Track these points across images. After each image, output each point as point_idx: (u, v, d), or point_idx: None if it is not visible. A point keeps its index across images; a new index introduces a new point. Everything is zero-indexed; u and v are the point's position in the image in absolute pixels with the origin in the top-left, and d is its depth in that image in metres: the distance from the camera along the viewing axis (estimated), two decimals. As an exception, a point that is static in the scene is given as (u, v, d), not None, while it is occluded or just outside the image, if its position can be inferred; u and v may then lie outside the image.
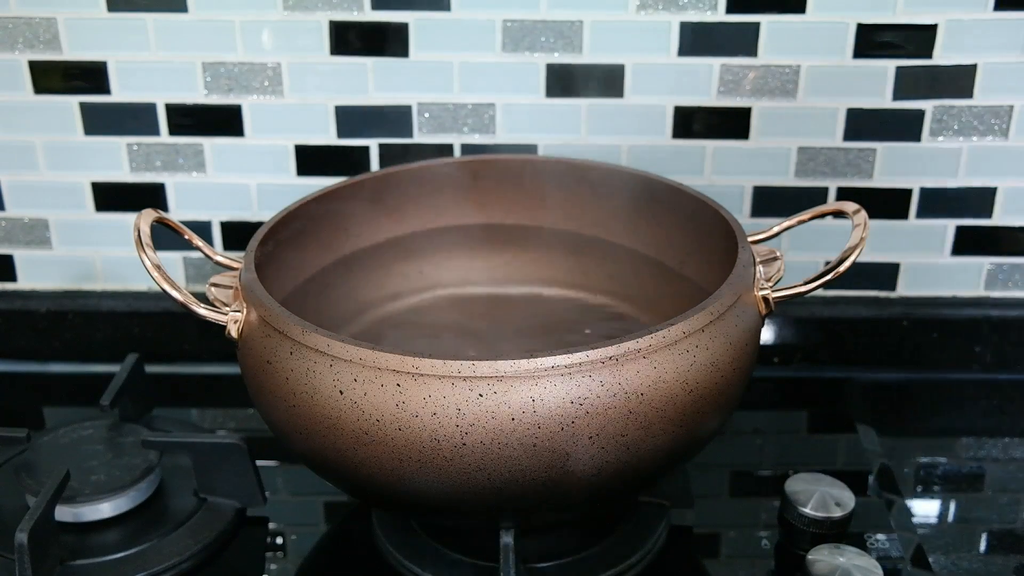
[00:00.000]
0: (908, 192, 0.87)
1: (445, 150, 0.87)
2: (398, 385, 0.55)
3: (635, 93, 0.84)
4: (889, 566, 0.69)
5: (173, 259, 0.91)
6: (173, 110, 0.86)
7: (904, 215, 0.87)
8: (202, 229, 0.89)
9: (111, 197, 0.89)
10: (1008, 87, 0.83)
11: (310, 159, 0.87)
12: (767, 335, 0.90)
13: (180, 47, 0.84)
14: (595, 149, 0.86)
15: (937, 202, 0.87)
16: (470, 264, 0.83)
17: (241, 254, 0.69)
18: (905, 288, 0.90)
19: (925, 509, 0.75)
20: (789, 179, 0.87)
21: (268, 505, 0.74)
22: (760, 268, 0.66)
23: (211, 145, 0.87)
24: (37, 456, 0.74)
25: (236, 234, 0.90)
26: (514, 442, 0.55)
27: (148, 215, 0.66)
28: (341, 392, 0.57)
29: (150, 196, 0.89)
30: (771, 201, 0.87)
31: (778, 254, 0.69)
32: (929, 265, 0.89)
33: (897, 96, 0.83)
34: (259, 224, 0.84)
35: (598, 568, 0.68)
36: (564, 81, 0.84)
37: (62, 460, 0.73)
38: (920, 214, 0.87)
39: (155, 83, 0.85)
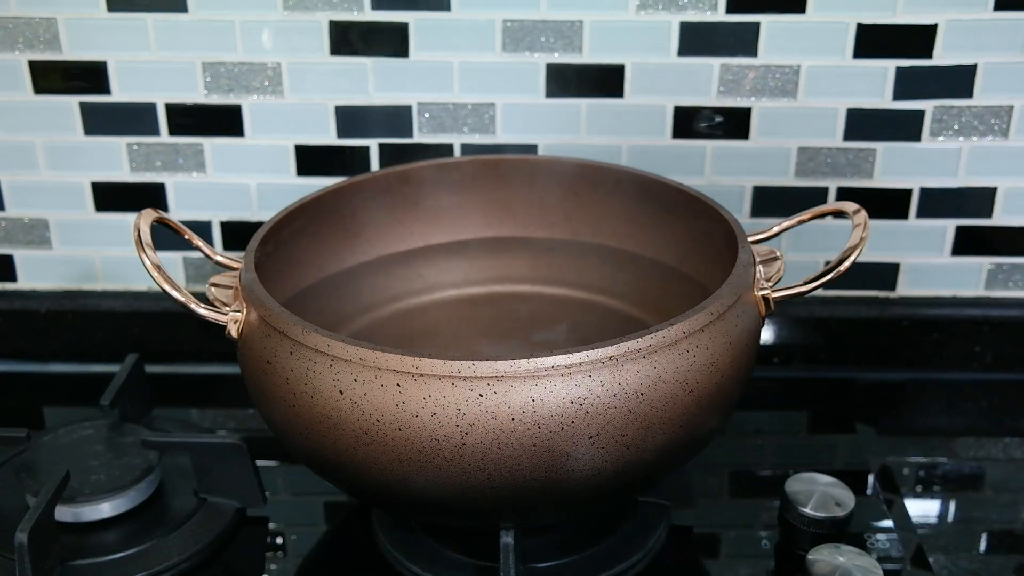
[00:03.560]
0: (908, 192, 0.87)
1: (445, 150, 0.87)
2: (398, 385, 0.55)
3: (635, 93, 0.84)
4: (889, 566, 0.69)
5: (173, 259, 0.91)
6: (173, 110, 0.86)
7: (904, 215, 0.87)
8: (202, 229, 0.89)
9: (111, 197, 0.89)
10: (1008, 87, 0.83)
11: (310, 159, 0.87)
12: (767, 335, 0.90)
13: (180, 47, 0.84)
14: (595, 149, 0.86)
15: (937, 202, 0.87)
16: (470, 263, 0.83)
17: (241, 254, 0.69)
18: (905, 288, 0.90)
19: (925, 509, 0.75)
20: (789, 179, 0.87)
21: (268, 505, 0.74)
22: (760, 268, 0.66)
23: (211, 145, 0.87)
24: (37, 456, 0.74)
25: (236, 234, 0.90)
26: (514, 442, 0.55)
27: (148, 215, 0.66)
28: (341, 392, 0.57)
29: (150, 196, 0.89)
30: (771, 201, 0.87)
31: (778, 254, 0.69)
32: (929, 265, 0.89)
33: (897, 96, 0.83)
34: (259, 224, 0.84)
35: (598, 568, 0.68)
36: (564, 81, 0.84)
37: (62, 460, 0.73)
38: (920, 214, 0.87)
39: (155, 83, 0.85)
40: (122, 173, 0.88)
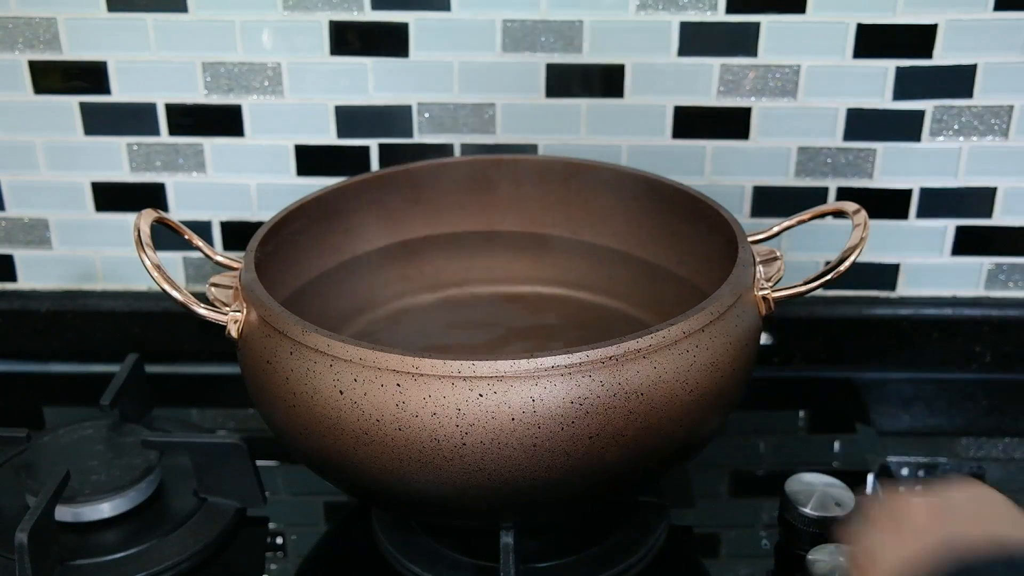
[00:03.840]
0: (908, 192, 0.87)
1: (445, 150, 0.87)
2: (398, 385, 0.55)
3: (635, 93, 0.84)
4: (889, 566, 0.68)
5: (173, 259, 0.91)
6: (173, 110, 0.86)
7: (904, 215, 0.87)
8: (202, 229, 0.89)
9: (111, 197, 0.89)
10: (1008, 87, 0.83)
11: (310, 159, 0.87)
12: (767, 335, 0.90)
13: (180, 47, 0.84)
14: (595, 149, 0.86)
15: (937, 202, 0.87)
16: (470, 264, 0.83)
17: (241, 254, 0.69)
18: (905, 288, 0.90)
19: (925, 509, 0.75)
20: (789, 179, 0.87)
21: (268, 505, 0.74)
22: (760, 268, 0.66)
23: (211, 145, 0.87)
24: (37, 456, 0.74)
25: (236, 234, 0.90)
26: (514, 442, 0.55)
27: (148, 215, 0.66)
28: (341, 392, 0.57)
29: (150, 196, 0.89)
30: (771, 201, 0.87)
31: (778, 254, 0.69)
32: (929, 265, 0.89)
33: (897, 96, 0.83)
34: (259, 224, 0.84)
35: (598, 568, 0.68)
36: (564, 81, 0.84)
37: (62, 460, 0.73)
38: (920, 214, 0.87)
39: (155, 83, 0.85)
40: (122, 173, 0.88)
